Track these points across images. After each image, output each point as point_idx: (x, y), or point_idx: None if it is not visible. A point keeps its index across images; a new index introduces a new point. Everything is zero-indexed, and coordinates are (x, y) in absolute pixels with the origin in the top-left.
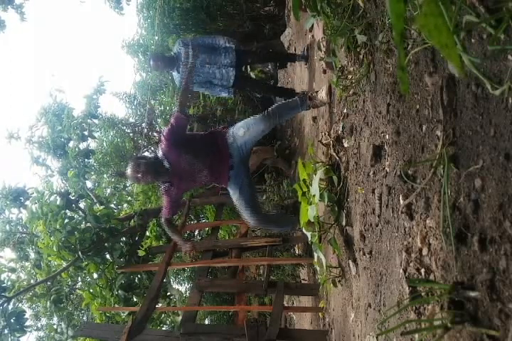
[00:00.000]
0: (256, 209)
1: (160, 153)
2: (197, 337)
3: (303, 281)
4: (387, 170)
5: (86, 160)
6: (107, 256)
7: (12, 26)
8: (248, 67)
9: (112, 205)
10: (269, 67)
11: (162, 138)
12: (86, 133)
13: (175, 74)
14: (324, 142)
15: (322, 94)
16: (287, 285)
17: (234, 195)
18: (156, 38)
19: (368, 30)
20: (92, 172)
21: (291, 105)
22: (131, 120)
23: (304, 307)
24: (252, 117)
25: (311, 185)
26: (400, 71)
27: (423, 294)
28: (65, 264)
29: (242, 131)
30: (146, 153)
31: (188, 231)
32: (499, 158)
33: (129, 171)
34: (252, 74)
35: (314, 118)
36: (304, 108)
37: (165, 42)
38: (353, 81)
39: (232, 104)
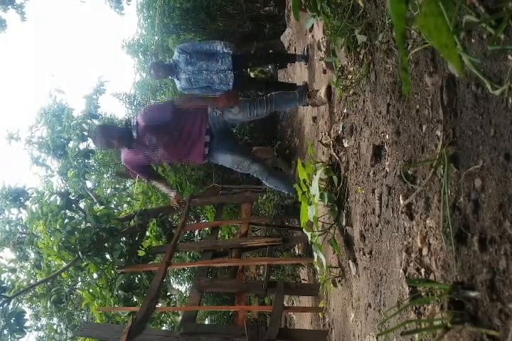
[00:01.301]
0: (255, 160)
1: (134, 122)
2: (197, 337)
3: (303, 281)
4: (387, 170)
5: (86, 160)
6: (107, 256)
7: (12, 26)
8: (249, 69)
9: (112, 205)
10: (269, 67)
11: (142, 113)
12: (86, 133)
13: (176, 80)
14: (324, 142)
15: (321, 95)
16: (287, 285)
17: (224, 160)
18: (156, 37)
19: (368, 30)
20: (92, 173)
21: (289, 97)
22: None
23: (304, 307)
24: (248, 100)
25: (311, 185)
26: (403, 72)
27: (423, 294)
28: (65, 264)
29: (237, 109)
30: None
31: (188, 231)
32: (499, 158)
33: (96, 139)
34: (252, 75)
35: (314, 118)
36: (301, 103)
37: (165, 42)
38: (353, 81)
39: None
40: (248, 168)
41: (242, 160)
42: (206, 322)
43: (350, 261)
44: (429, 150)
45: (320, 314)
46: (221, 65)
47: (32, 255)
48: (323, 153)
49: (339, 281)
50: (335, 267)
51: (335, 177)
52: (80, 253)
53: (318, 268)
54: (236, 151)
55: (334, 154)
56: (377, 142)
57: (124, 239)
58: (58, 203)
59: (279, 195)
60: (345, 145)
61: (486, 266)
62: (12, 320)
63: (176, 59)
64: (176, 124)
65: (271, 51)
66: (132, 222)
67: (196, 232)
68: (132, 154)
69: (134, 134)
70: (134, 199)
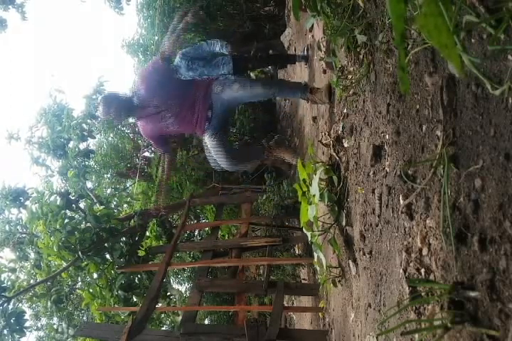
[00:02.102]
0: (227, 151)
1: (132, 90)
2: (197, 337)
3: (303, 281)
4: (387, 170)
5: (86, 160)
6: (107, 256)
7: (13, 26)
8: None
9: (112, 205)
10: (269, 67)
11: (138, 75)
12: (86, 133)
13: None
14: (324, 142)
15: (322, 95)
16: (287, 285)
17: (208, 140)
18: (156, 37)
19: (368, 30)
20: (92, 173)
21: (293, 85)
22: (131, 120)
23: (304, 307)
24: (250, 81)
25: (311, 185)
26: (400, 71)
27: (423, 294)
28: (65, 264)
29: (237, 85)
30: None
31: (188, 231)
32: (499, 158)
33: (101, 109)
34: (252, 75)
35: (314, 118)
36: (303, 95)
37: None
38: (353, 81)
39: None
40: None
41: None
42: (206, 322)
43: (350, 261)
44: (429, 150)
45: (320, 314)
46: (222, 69)
47: (32, 255)
48: (323, 153)
49: (339, 281)
50: (335, 267)
51: (335, 177)
52: (79, 253)
53: (318, 268)
54: (221, 144)
55: (334, 154)
56: (377, 142)
57: (124, 239)
58: (58, 203)
59: (279, 195)
60: (345, 145)
61: (486, 266)
62: (12, 320)
63: (178, 64)
64: (178, 92)
65: (271, 52)
66: (132, 222)
67: (196, 232)
68: (145, 124)
69: (136, 101)
70: (134, 199)
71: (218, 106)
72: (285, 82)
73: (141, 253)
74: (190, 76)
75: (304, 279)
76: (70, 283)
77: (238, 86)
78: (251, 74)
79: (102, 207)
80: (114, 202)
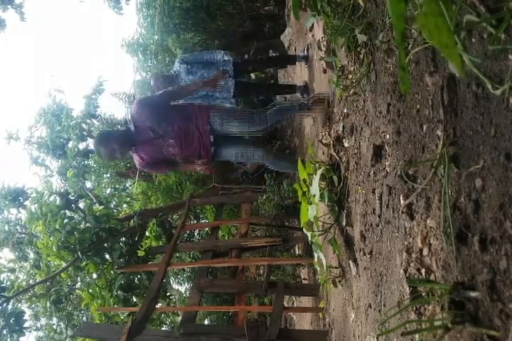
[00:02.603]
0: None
1: (128, 117)
2: (197, 337)
3: (303, 281)
4: (388, 170)
5: (85, 160)
6: (107, 256)
7: (12, 26)
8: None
9: (112, 205)
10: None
11: (135, 102)
12: (85, 133)
13: None
14: (324, 142)
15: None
16: (287, 285)
17: (227, 153)
18: (156, 37)
19: (368, 30)
20: (92, 173)
21: (287, 108)
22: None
23: (304, 307)
24: (245, 110)
25: (311, 185)
26: (400, 71)
27: (423, 294)
28: (64, 264)
29: (236, 122)
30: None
31: (187, 231)
32: (500, 158)
33: (103, 151)
34: (252, 75)
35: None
36: (301, 110)
37: (165, 41)
38: (354, 81)
39: None
40: (252, 156)
41: (245, 150)
42: (206, 322)
43: (350, 261)
44: (430, 150)
45: (320, 314)
46: None
47: (31, 255)
48: (324, 153)
49: (339, 281)
50: (335, 267)
51: (335, 177)
52: (79, 253)
53: (318, 269)
54: (238, 143)
55: (334, 154)
56: (377, 142)
57: (123, 239)
58: (58, 203)
59: (279, 195)
60: (346, 145)
61: (486, 266)
62: (11, 320)
63: (177, 69)
64: (176, 120)
65: (271, 52)
66: (132, 222)
67: (196, 232)
68: (141, 154)
69: (132, 128)
70: (134, 199)
71: (219, 133)
72: (278, 111)
73: (140, 253)
74: (191, 80)
75: (304, 279)
76: (69, 283)
77: (237, 124)
78: (251, 75)
79: (101, 207)
80: (114, 202)
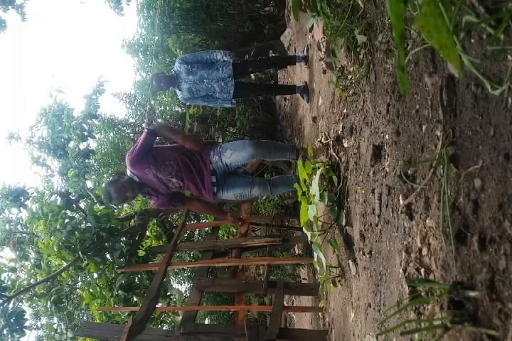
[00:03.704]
0: (254, 183)
1: (128, 173)
2: (197, 336)
3: (303, 281)
4: (387, 170)
5: (86, 160)
6: (107, 256)
7: (13, 26)
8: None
9: (112, 205)
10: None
11: (126, 160)
12: (86, 133)
13: (177, 91)
14: (324, 142)
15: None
16: (287, 285)
17: (227, 196)
18: (156, 37)
19: (367, 31)
20: (92, 173)
21: (280, 147)
22: (132, 120)
23: (304, 307)
24: (241, 141)
25: (310, 185)
26: (400, 71)
27: (423, 294)
28: (65, 264)
29: (230, 152)
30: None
31: (188, 231)
32: (499, 158)
33: (113, 195)
34: (252, 76)
35: (314, 119)
36: (291, 156)
37: (165, 42)
38: (353, 81)
39: None
40: (250, 195)
41: (243, 192)
42: (206, 322)
43: (350, 260)
44: (429, 150)
45: (320, 314)
46: (222, 73)
47: (32, 255)
48: (323, 153)
49: (339, 281)
50: (335, 267)
51: (335, 177)
52: (80, 253)
53: (318, 268)
54: (236, 185)
55: (334, 154)
56: (377, 142)
57: (124, 238)
58: (58, 203)
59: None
60: (345, 145)
61: (485, 265)
62: (12, 320)
63: (177, 69)
64: (182, 160)
65: (271, 53)
66: (132, 221)
67: (196, 232)
68: (153, 196)
69: (136, 179)
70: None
71: (219, 171)
72: (271, 145)
73: (141, 253)
74: (191, 80)
75: (303, 279)
76: (70, 282)
77: (230, 152)
78: (251, 75)
79: (102, 207)
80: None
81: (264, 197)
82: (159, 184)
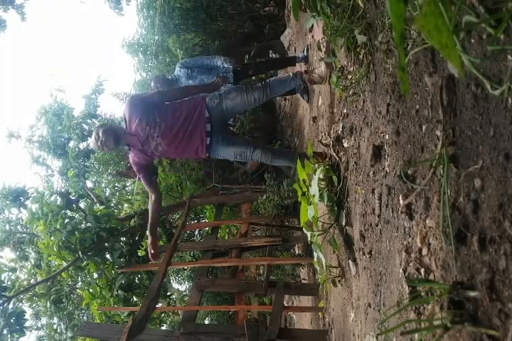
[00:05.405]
0: (256, 145)
1: (122, 114)
2: (197, 336)
3: (303, 281)
4: (387, 170)
5: (86, 160)
6: (107, 255)
7: (13, 26)
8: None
9: (112, 204)
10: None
11: (128, 105)
12: (86, 133)
13: None
14: (324, 142)
15: (321, 69)
16: (287, 285)
17: (228, 154)
18: (156, 37)
19: (367, 31)
20: (92, 172)
21: (284, 77)
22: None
23: (304, 307)
24: (245, 85)
25: (310, 185)
26: (400, 71)
27: (423, 294)
28: (65, 264)
29: (235, 93)
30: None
31: (188, 231)
32: (499, 158)
33: (91, 141)
34: (253, 77)
35: (314, 119)
36: (297, 80)
37: (165, 41)
38: (353, 81)
39: None
40: (251, 156)
41: (244, 150)
42: (206, 321)
43: (350, 260)
44: (429, 150)
45: (320, 314)
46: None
47: (32, 255)
48: (323, 152)
49: (339, 281)
50: (335, 267)
51: (334, 177)
52: (80, 253)
53: (318, 268)
54: (236, 142)
55: (334, 154)
56: (377, 142)
57: (124, 238)
58: (58, 203)
59: (279, 195)
60: (345, 145)
61: (485, 265)
62: (12, 320)
63: (177, 74)
64: (171, 112)
65: (271, 53)
66: (132, 221)
67: (196, 232)
68: (134, 153)
69: (124, 126)
70: (134, 198)
71: (216, 118)
72: (275, 79)
73: (141, 253)
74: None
75: (303, 279)
76: (70, 282)
77: (236, 93)
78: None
79: (102, 206)
80: (114, 201)
81: (259, 160)
82: (144, 142)
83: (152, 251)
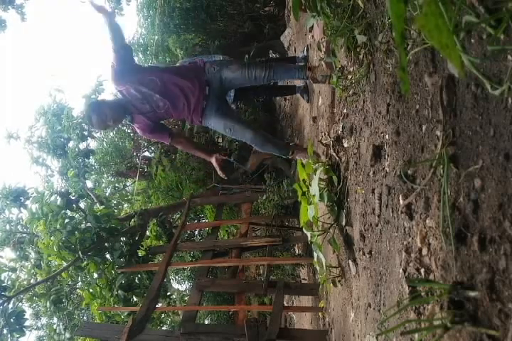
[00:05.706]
0: (250, 126)
1: (114, 92)
2: (197, 336)
3: (303, 281)
4: (387, 170)
5: (86, 160)
6: (107, 255)
7: (12, 26)
8: None
9: (112, 204)
10: None
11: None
12: (86, 133)
13: None
14: (324, 142)
15: (323, 66)
16: (287, 285)
17: (218, 124)
18: (156, 37)
19: (367, 31)
20: (92, 172)
21: (290, 66)
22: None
23: (304, 307)
24: (248, 62)
25: (310, 185)
26: (400, 71)
27: (423, 294)
28: (65, 264)
29: (236, 66)
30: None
31: (188, 231)
32: (499, 158)
33: (95, 121)
34: None
35: (314, 119)
36: (301, 74)
37: (165, 41)
38: (353, 81)
39: None
40: (242, 135)
41: (236, 125)
42: (206, 321)
43: (350, 260)
44: (429, 150)
45: (320, 314)
46: None
47: (32, 255)
48: (323, 153)
49: (339, 281)
50: (335, 267)
51: (335, 177)
52: (80, 253)
53: (318, 268)
54: (230, 115)
55: (334, 154)
56: (377, 142)
57: (124, 238)
58: (58, 203)
59: (279, 195)
60: (345, 145)
61: (485, 265)
62: (12, 320)
63: None
64: (168, 74)
65: (271, 53)
66: (132, 221)
67: (196, 232)
68: (140, 120)
69: (121, 95)
70: (134, 198)
71: (214, 86)
72: (281, 64)
73: (141, 253)
74: None
75: (303, 279)
76: (70, 282)
77: (237, 66)
78: None
79: (102, 206)
80: (114, 202)
81: (249, 142)
82: (143, 101)
83: (218, 168)
